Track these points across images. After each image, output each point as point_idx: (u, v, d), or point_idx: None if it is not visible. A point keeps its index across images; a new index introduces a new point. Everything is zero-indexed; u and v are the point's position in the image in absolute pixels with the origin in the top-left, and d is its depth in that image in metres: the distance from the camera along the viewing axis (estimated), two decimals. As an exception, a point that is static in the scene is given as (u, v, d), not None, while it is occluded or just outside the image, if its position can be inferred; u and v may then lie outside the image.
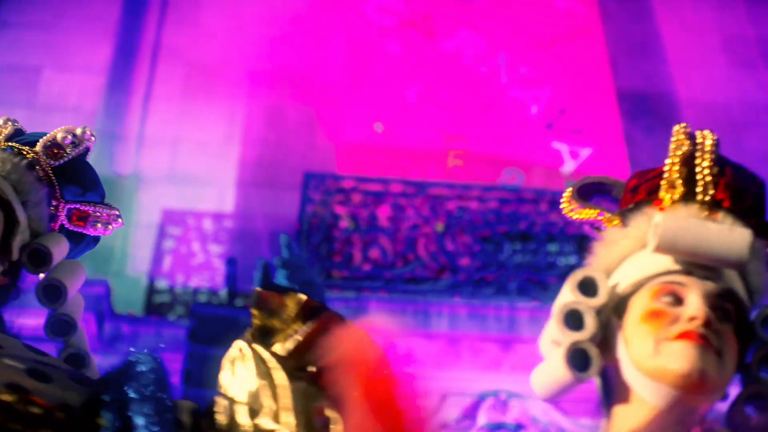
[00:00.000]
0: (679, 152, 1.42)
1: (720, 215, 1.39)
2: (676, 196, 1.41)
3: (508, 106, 8.45)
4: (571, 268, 6.55)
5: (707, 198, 1.40)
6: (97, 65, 8.36)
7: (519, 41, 8.87)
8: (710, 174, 1.41)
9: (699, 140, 1.44)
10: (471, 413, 6.96)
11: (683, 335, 1.28)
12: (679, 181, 1.41)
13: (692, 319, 1.28)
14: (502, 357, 6.92)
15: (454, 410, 6.99)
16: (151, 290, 7.27)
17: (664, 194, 1.42)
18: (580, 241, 7.35)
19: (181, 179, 7.95)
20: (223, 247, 7.54)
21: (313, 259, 6.82)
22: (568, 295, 1.40)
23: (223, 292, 7.03)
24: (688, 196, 1.41)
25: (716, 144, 1.44)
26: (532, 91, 8.61)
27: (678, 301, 1.32)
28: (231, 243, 7.58)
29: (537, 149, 8.20)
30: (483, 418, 6.87)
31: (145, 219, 7.65)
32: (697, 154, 1.43)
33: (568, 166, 8.20)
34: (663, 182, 1.43)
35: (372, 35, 8.76)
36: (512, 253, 7.13)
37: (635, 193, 1.47)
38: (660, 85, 9.27)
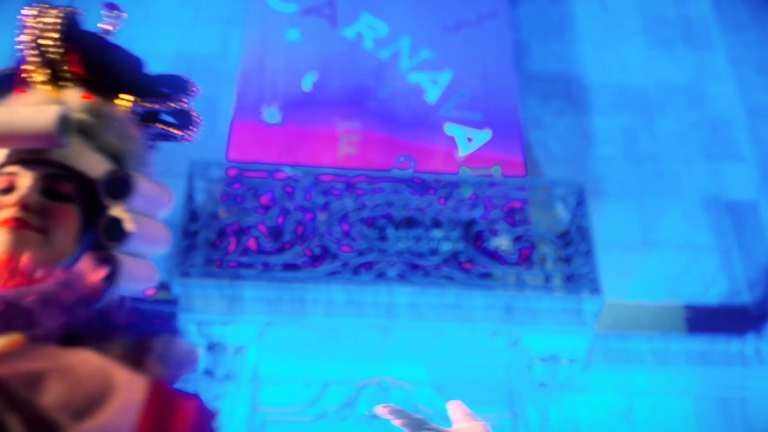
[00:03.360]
0: (29, 37, 1.48)
1: (74, 91, 1.46)
2: (42, 79, 1.48)
3: (407, 92, 8.42)
4: (455, 255, 6.49)
5: (63, 75, 1.47)
6: (-1, 55, 8.33)
7: (423, 25, 8.83)
8: (57, 52, 1.47)
9: (47, 22, 1.49)
10: (352, 401, 6.96)
11: (1, 222, 1.36)
12: (39, 67, 1.48)
13: (9, 206, 1.36)
14: (382, 344, 6.91)
15: (335, 399, 6.99)
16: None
17: (36, 78, 1.49)
18: (468, 227, 7.33)
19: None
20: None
21: (190, 248, 6.82)
22: None
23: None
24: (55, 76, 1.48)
25: (62, 23, 1.49)
26: (432, 75, 8.57)
27: (12, 190, 1.39)
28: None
29: (433, 134, 8.18)
30: (364, 406, 6.87)
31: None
32: (43, 36, 1.48)
33: (464, 151, 8.17)
34: (29, 68, 1.49)
35: (274, 22, 8.73)
36: (396, 239, 7.11)
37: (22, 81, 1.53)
38: (573, 68, 9.23)
